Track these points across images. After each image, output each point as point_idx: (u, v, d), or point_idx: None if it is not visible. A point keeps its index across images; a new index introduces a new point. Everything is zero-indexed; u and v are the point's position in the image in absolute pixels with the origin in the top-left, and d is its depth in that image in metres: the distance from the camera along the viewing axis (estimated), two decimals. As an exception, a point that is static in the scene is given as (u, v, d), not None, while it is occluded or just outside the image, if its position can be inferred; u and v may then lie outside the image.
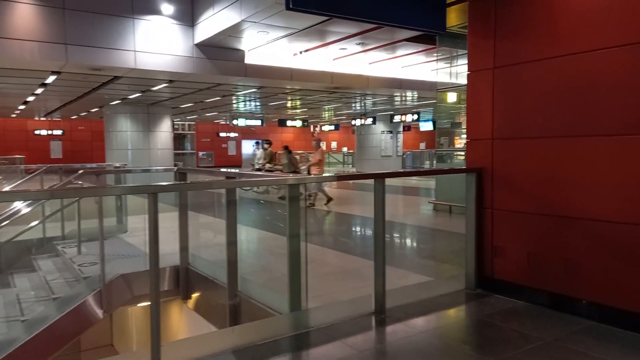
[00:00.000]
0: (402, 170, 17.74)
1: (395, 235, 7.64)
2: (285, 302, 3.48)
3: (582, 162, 3.38)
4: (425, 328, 3.35)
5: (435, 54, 12.02)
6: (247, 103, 19.09)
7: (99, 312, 4.88)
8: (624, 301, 3.15)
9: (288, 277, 3.39)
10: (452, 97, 10.46)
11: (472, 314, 3.66)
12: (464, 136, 4.29)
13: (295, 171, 12.00)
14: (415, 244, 7.52)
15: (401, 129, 24.89)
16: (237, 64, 10.85)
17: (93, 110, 19.75)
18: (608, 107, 3.22)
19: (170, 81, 11.91)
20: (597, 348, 2.89)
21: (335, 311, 3.51)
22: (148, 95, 14.85)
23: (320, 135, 36.81)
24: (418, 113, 21.46)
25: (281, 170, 12.38)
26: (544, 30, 3.61)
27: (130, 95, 14.74)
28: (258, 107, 20.78)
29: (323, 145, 37.25)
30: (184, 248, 5.40)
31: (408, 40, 10.39)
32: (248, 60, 10.96)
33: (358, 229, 8.78)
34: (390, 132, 24.28)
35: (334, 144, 39.43)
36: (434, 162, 12.49)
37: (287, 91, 15.17)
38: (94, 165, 12.23)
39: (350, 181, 14.70)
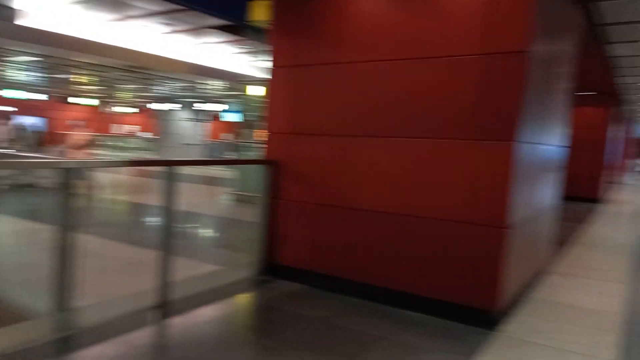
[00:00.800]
0: (196, 159, 17.19)
1: (191, 225, 7.46)
2: (51, 302, 3.04)
3: (362, 159, 3.79)
4: (209, 318, 3.34)
5: (245, 47, 12.14)
6: (24, 73, 16.23)
7: None
8: (384, 280, 3.67)
9: (56, 274, 2.97)
10: (255, 90, 10.70)
11: (256, 300, 3.80)
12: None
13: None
14: (211, 234, 7.47)
15: (205, 117, 24.42)
16: (4, 24, 9.04)
17: None
18: (386, 112, 3.67)
19: None
20: (358, 320, 3.31)
21: (111, 307, 3.24)
22: None
23: (117, 117, 33.67)
24: (226, 103, 21.39)
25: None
26: (331, 37, 3.93)
27: None
28: (40, 79, 17.86)
29: (124, 128, 34.07)
30: None
31: (216, 28, 10.20)
32: (24, 22, 9.26)
33: (149, 218, 8.30)
34: (194, 119, 23.63)
35: (128, 127, 36.16)
36: (235, 153, 12.63)
37: (77, 64, 13.40)
38: None
39: (150, 168, 13.78)
